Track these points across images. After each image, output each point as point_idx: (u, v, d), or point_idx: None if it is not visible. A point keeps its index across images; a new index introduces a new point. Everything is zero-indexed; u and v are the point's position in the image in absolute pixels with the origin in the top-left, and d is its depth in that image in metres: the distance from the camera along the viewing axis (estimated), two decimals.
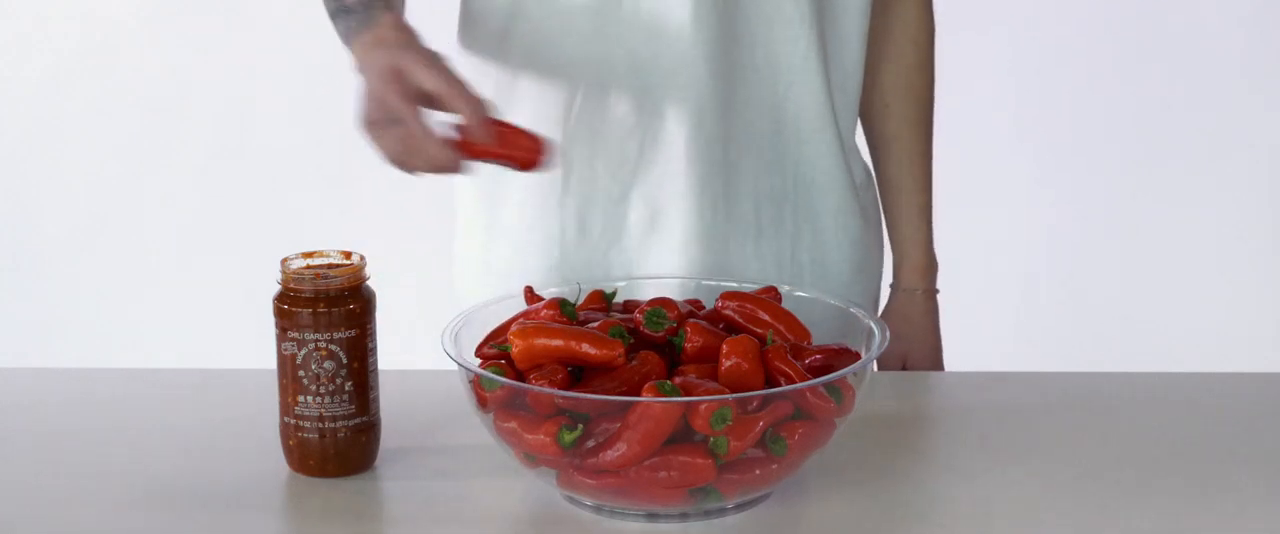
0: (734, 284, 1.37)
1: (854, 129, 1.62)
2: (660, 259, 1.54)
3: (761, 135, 1.54)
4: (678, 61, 1.49)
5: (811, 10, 1.51)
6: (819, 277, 1.58)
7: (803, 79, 1.53)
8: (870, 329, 1.28)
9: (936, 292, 1.68)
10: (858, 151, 1.63)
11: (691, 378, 1.17)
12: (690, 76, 1.49)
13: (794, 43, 1.51)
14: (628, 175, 1.53)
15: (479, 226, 1.61)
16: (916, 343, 1.66)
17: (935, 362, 1.67)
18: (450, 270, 1.66)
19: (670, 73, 1.49)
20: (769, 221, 1.56)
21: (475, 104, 1.30)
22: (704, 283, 1.42)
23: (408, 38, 1.35)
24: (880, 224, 1.66)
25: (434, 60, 1.31)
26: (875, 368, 1.66)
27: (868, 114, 1.65)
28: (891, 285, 1.68)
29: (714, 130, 1.51)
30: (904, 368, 1.66)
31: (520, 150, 1.33)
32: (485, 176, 1.59)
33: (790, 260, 1.57)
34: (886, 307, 1.68)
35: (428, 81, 1.29)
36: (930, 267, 1.67)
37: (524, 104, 1.54)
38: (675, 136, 1.51)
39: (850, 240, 1.59)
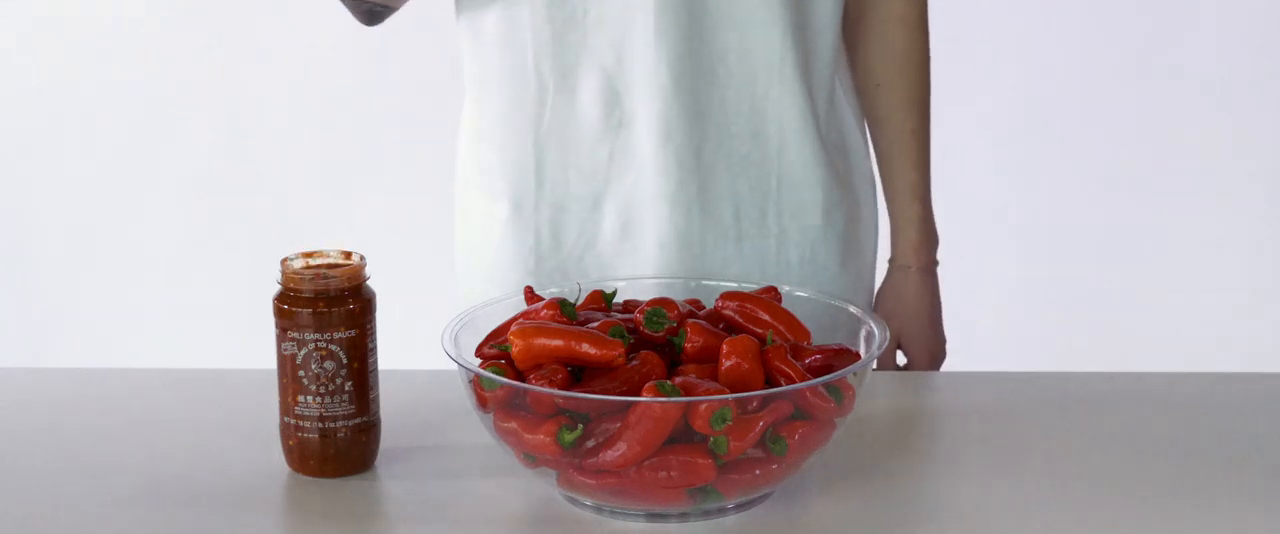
0: (733, 284, 1.37)
1: (832, 120, 1.62)
2: (635, 265, 1.55)
3: (739, 139, 1.54)
4: (642, 69, 1.50)
5: (785, 13, 1.51)
6: (809, 274, 1.58)
7: (780, 82, 1.53)
8: (871, 329, 1.28)
9: (936, 265, 1.67)
10: (841, 141, 1.63)
11: (691, 378, 1.17)
12: (656, 84, 1.50)
13: (768, 43, 1.52)
14: (600, 182, 1.55)
15: (464, 231, 1.63)
16: (911, 320, 1.66)
17: (933, 338, 1.67)
18: (453, 272, 1.67)
19: (635, 80, 1.51)
20: (751, 224, 1.56)
21: None
22: (704, 283, 1.42)
23: None
24: (875, 205, 1.66)
25: None
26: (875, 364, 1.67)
27: (861, 94, 1.65)
28: (888, 261, 1.68)
29: (684, 137, 1.52)
30: (899, 345, 1.66)
31: None
32: (465, 184, 1.61)
33: (776, 260, 1.58)
34: (882, 283, 1.68)
35: None
36: (924, 244, 1.66)
37: (496, 109, 1.55)
38: (644, 143, 1.52)
39: (837, 235, 1.60)
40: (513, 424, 1.18)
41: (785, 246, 1.58)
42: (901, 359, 1.68)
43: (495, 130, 1.57)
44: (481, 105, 1.58)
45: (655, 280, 1.46)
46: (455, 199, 1.65)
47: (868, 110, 1.66)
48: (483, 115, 1.59)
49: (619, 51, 1.50)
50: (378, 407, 1.30)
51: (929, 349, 1.67)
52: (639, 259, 1.55)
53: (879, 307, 1.67)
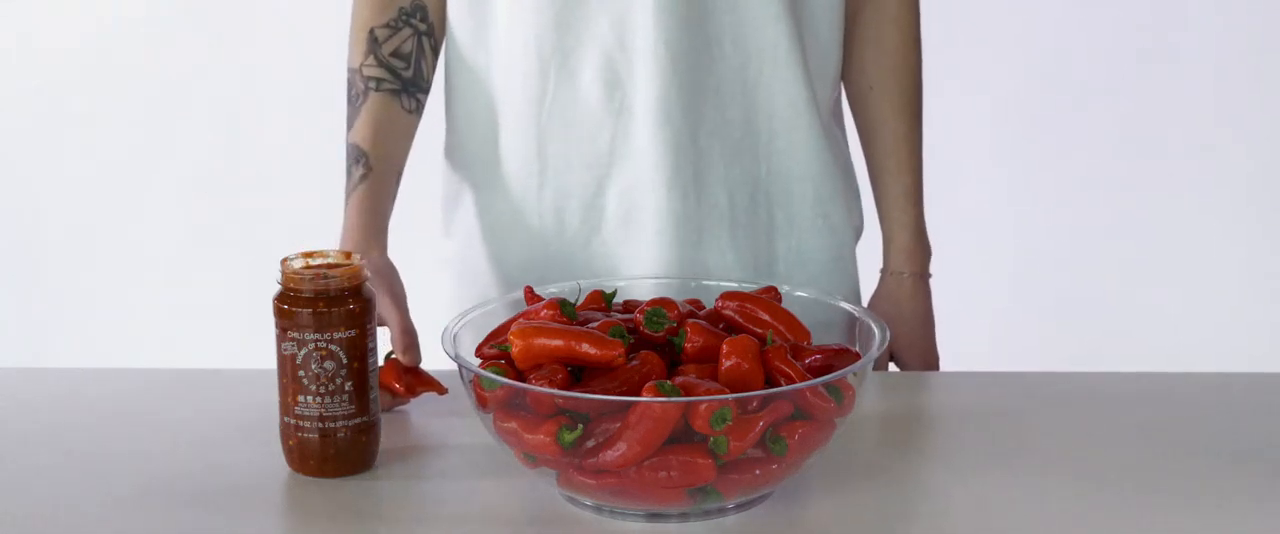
0: (733, 284, 1.37)
1: (838, 113, 1.62)
2: (637, 252, 1.54)
3: (732, 124, 1.53)
4: (642, 51, 1.49)
5: None
6: (796, 266, 1.58)
7: (773, 65, 1.52)
8: (871, 329, 1.28)
9: (928, 275, 1.66)
10: (842, 135, 1.63)
11: (691, 378, 1.17)
12: (656, 67, 1.49)
13: (763, 28, 1.51)
14: (602, 169, 1.54)
15: (459, 223, 1.62)
16: (904, 326, 1.65)
17: (926, 346, 1.66)
18: (442, 270, 1.66)
19: (636, 63, 1.50)
20: (743, 211, 1.56)
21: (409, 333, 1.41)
22: (704, 283, 1.42)
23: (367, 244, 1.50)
24: (860, 207, 1.66)
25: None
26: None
27: (853, 98, 1.65)
28: (881, 269, 1.67)
29: (682, 120, 1.51)
30: (892, 354, 1.65)
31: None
32: (463, 171, 1.60)
33: (766, 249, 1.57)
34: (876, 290, 1.67)
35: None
36: (918, 250, 1.65)
37: (498, 96, 1.55)
38: (643, 128, 1.51)
39: (829, 228, 1.59)
40: (513, 424, 1.18)
41: (775, 236, 1.57)
42: (893, 369, 1.67)
43: (495, 120, 1.57)
44: (477, 96, 1.57)
45: (655, 280, 1.46)
46: (444, 194, 1.65)
47: (860, 116, 1.66)
48: (480, 106, 1.57)
49: (620, 32, 1.49)
50: (378, 407, 1.30)
51: (923, 357, 1.66)
52: (639, 247, 1.54)
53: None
